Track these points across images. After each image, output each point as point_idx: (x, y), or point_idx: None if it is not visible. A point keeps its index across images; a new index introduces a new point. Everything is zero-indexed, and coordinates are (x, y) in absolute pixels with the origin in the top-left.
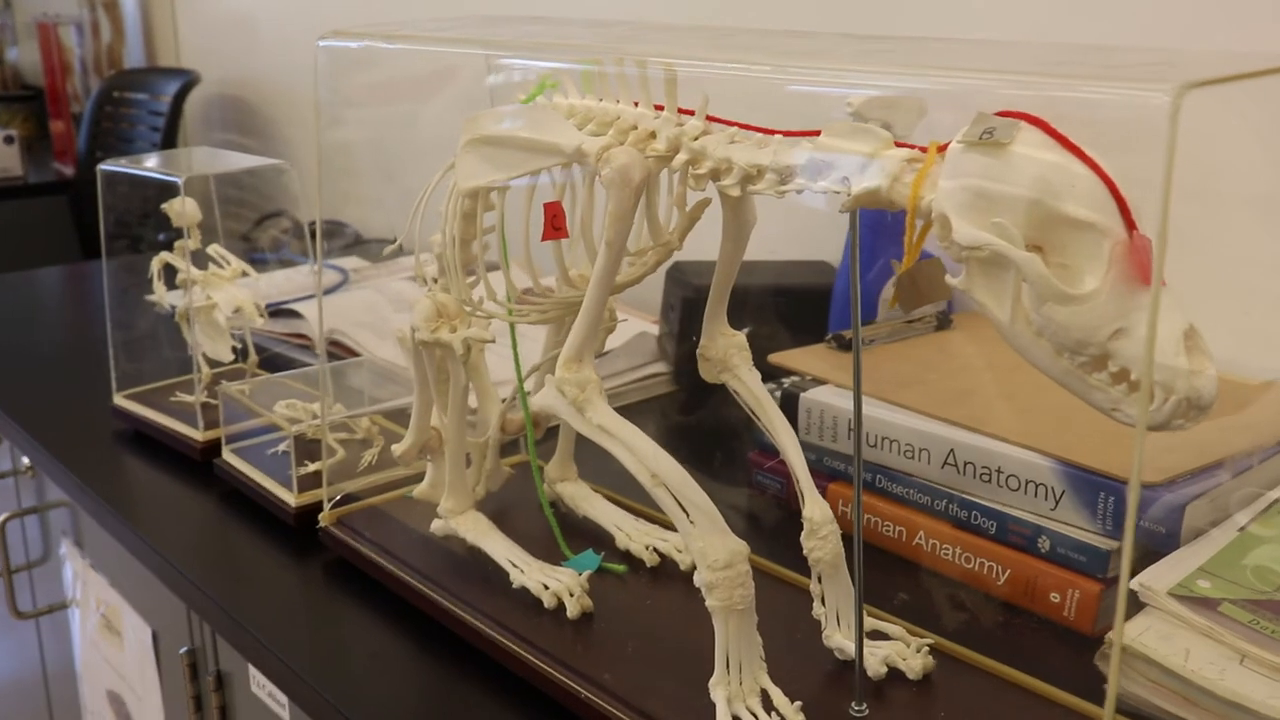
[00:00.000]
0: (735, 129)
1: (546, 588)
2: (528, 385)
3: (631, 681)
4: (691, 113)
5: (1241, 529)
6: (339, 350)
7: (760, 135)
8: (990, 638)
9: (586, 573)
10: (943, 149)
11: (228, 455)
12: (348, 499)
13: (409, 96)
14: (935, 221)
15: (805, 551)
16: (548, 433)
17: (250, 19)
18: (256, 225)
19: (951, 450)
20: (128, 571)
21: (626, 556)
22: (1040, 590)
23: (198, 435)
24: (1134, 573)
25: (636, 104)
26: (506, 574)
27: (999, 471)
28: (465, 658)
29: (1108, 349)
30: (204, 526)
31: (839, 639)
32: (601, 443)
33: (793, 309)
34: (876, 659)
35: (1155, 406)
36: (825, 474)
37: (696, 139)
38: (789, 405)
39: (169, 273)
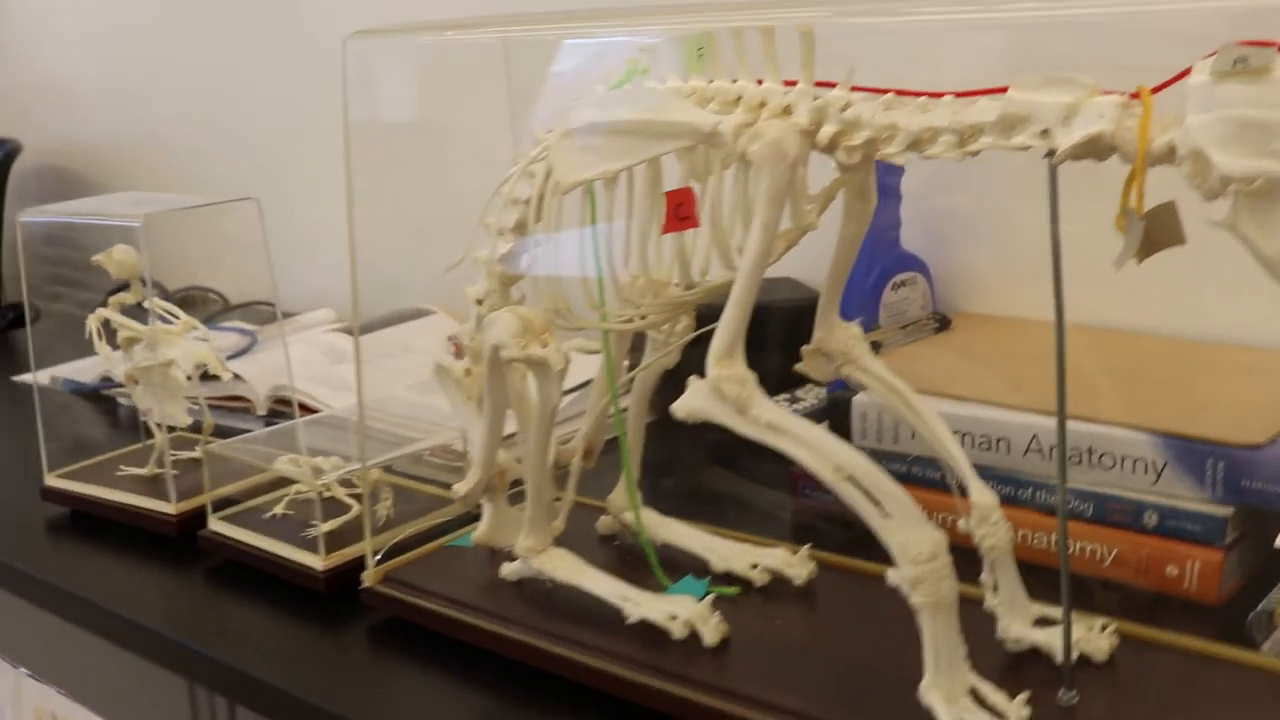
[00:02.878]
0: (889, 95)
1: (674, 617)
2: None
3: (822, 702)
4: (833, 85)
5: None
6: (289, 409)
7: (922, 99)
8: (1132, 613)
9: (710, 597)
10: (1156, 90)
11: (216, 524)
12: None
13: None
14: (1186, 160)
15: (977, 539)
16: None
17: (67, 82)
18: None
19: (1034, 436)
20: (88, 674)
21: (728, 579)
22: (1155, 565)
23: (170, 508)
24: (1256, 535)
25: (761, 82)
26: (616, 610)
27: (1090, 451)
28: (591, 705)
29: None
30: (198, 604)
31: (1017, 629)
32: (771, 442)
33: (772, 327)
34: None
35: None
36: None
37: (845, 109)
38: (841, 411)
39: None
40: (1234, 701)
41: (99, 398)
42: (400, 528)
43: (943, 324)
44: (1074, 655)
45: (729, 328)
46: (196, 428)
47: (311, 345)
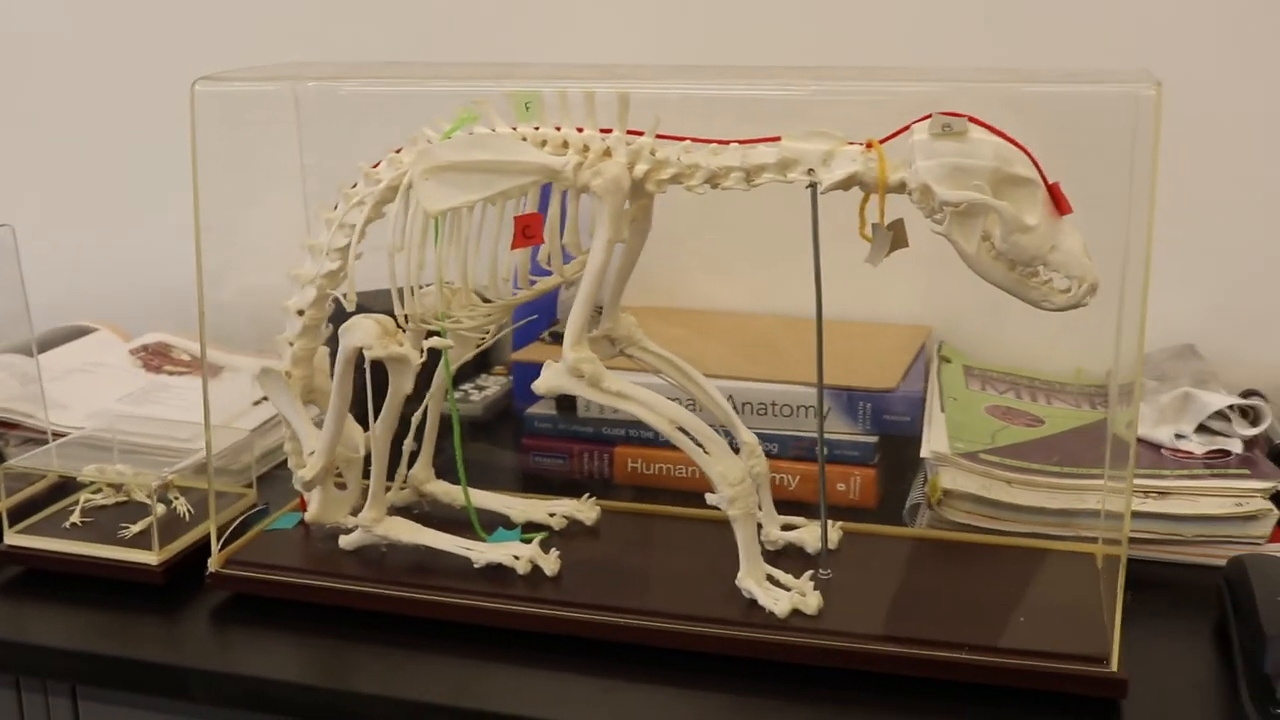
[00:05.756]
0: (687, 141)
1: (516, 557)
2: None
3: (663, 600)
4: (640, 133)
5: (942, 410)
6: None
7: (713, 145)
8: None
9: (536, 539)
10: (884, 141)
11: (15, 538)
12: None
13: None
14: (916, 190)
15: (749, 468)
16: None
17: None
18: None
19: (730, 396)
20: None
21: (532, 527)
22: (830, 484)
23: None
24: (899, 454)
25: (580, 130)
26: (457, 560)
27: (772, 405)
28: (453, 637)
29: (1047, 260)
30: (10, 612)
31: (775, 533)
32: (622, 406)
33: None
34: (814, 537)
35: (1072, 292)
36: (607, 441)
37: (654, 152)
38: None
39: None
40: (912, 558)
41: None
42: (233, 509)
43: None
44: (816, 546)
45: (578, 320)
46: None
47: None
